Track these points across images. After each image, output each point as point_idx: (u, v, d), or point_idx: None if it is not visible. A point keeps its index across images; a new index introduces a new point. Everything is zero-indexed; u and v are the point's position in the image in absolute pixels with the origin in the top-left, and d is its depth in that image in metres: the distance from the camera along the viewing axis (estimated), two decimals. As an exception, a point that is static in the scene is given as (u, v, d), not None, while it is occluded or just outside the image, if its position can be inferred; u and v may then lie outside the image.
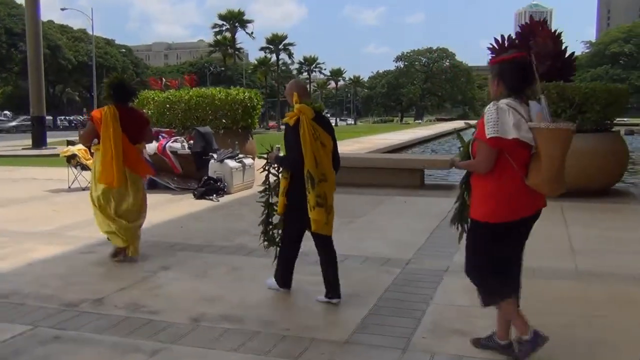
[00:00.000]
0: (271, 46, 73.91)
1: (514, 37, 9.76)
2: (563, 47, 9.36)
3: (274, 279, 4.43)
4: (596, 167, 8.61)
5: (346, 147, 20.06)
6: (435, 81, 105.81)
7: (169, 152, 10.03)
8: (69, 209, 8.04)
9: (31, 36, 21.36)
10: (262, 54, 75.61)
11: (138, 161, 5.50)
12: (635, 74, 76.38)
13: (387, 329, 3.65)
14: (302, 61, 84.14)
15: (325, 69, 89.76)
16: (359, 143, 24.14)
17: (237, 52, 70.73)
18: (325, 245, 4.21)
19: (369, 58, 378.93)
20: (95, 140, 5.42)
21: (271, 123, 67.41)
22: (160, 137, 10.41)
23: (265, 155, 4.37)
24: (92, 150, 5.75)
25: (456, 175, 11.96)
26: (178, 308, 4.06)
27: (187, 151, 10.12)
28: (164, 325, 3.73)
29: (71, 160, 10.02)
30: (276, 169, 4.37)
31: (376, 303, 4.14)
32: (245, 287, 4.56)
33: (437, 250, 5.63)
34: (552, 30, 9.47)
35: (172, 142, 10.22)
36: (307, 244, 4.33)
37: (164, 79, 14.17)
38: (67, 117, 61.73)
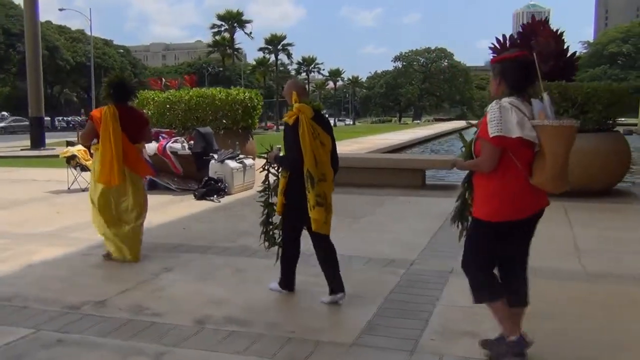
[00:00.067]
0: (270, 46, 73.84)
1: (513, 37, 9.74)
2: (565, 47, 9.34)
3: (277, 283, 4.40)
4: (598, 167, 8.58)
5: (346, 147, 20.03)
6: (433, 81, 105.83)
7: (169, 153, 9.98)
8: (69, 210, 7.99)
9: (29, 37, 21.31)
10: (260, 55, 75.72)
11: (138, 161, 5.49)
12: (633, 74, 76.41)
13: (393, 331, 3.61)
14: (301, 61, 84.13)
15: (323, 70, 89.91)
16: (358, 143, 24.12)
17: (235, 53, 70.68)
18: (323, 244, 4.19)
19: (367, 58, 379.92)
20: (95, 140, 5.39)
21: (268, 124, 67.37)
22: (160, 137, 10.36)
23: (264, 155, 4.35)
24: (91, 151, 5.71)
25: (456, 175, 11.94)
26: (182, 310, 4.02)
27: (188, 152, 10.08)
28: (167, 328, 3.69)
29: (71, 161, 9.96)
30: (276, 168, 4.35)
31: (382, 304, 4.10)
32: (249, 289, 4.52)
33: (441, 251, 5.59)
34: (555, 30, 9.44)
35: (172, 143, 10.17)
36: (309, 244, 4.29)
37: (163, 79, 14.13)
38: (65, 118, 61.70)
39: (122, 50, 72.76)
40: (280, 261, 4.38)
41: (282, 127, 4.89)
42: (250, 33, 74.57)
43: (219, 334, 3.59)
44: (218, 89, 12.87)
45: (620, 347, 3.43)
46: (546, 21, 9.85)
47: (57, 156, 11.90)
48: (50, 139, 23.57)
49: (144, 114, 5.89)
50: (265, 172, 4.42)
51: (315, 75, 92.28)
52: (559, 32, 9.37)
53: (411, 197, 9.05)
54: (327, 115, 5.16)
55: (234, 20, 67.39)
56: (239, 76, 70.59)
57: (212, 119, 12.00)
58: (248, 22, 69.13)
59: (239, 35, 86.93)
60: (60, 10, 70.10)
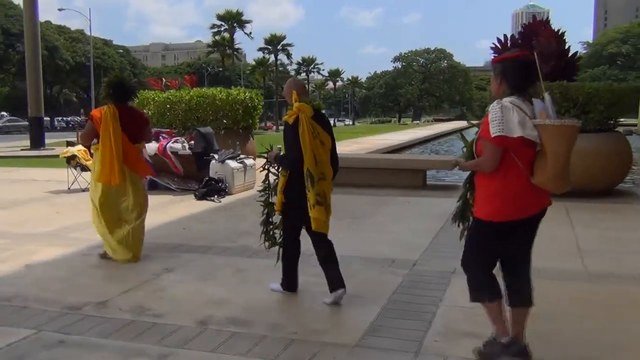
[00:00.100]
0: (269, 47, 73.84)
1: (514, 37, 9.72)
2: (566, 47, 9.33)
3: (278, 283, 4.39)
4: (599, 167, 8.56)
5: (345, 147, 20.00)
6: (433, 82, 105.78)
7: (169, 153, 9.97)
8: (69, 210, 7.97)
9: (29, 37, 21.28)
10: (260, 55, 75.70)
11: (138, 160, 5.48)
12: (632, 74, 76.41)
13: (397, 332, 3.59)
14: (301, 62, 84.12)
15: (323, 70, 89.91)
16: (358, 143, 24.07)
17: (235, 53, 70.67)
18: (322, 243, 4.18)
19: (366, 59, 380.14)
20: (95, 140, 5.38)
21: (268, 124, 67.36)
22: (160, 137, 10.34)
23: (265, 154, 4.34)
24: (91, 151, 5.70)
25: (457, 176, 11.92)
26: (183, 311, 4.00)
27: (188, 152, 10.06)
28: (170, 329, 3.67)
29: (71, 161, 9.94)
30: (276, 168, 4.34)
31: (385, 305, 4.08)
32: (250, 289, 4.50)
33: (443, 252, 5.57)
34: (556, 30, 9.43)
35: (172, 143, 10.15)
36: (308, 244, 4.27)
37: (164, 79, 14.11)
38: (64, 118, 61.58)
39: (121, 50, 72.76)
40: (282, 262, 4.37)
41: (281, 127, 4.87)
42: (250, 33, 74.65)
43: (222, 335, 3.57)
44: (219, 89, 12.86)
45: (621, 347, 3.42)
46: (547, 21, 9.84)
47: (57, 156, 11.88)
48: (49, 139, 23.55)
49: (144, 114, 5.88)
50: (266, 171, 4.41)
51: (314, 76, 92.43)
52: (560, 32, 9.36)
53: (411, 198, 9.02)
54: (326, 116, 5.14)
55: (233, 20, 67.38)
56: (239, 76, 70.59)
57: (212, 119, 11.99)
58: (248, 22, 69.22)
59: (238, 35, 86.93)
60: (60, 10, 69.86)
